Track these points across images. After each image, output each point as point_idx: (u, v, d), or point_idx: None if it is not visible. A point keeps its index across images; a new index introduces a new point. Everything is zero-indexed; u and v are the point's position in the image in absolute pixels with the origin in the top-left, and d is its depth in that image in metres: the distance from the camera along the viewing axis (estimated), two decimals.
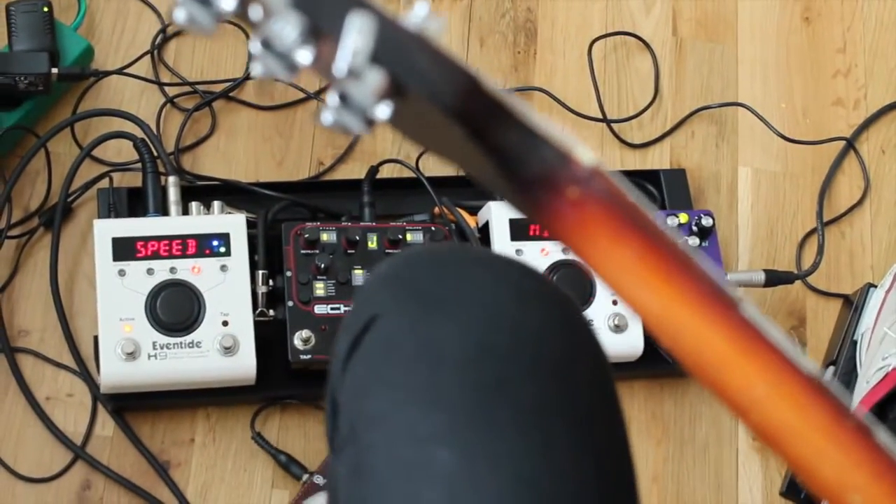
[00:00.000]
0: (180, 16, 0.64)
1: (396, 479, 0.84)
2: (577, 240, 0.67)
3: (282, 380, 1.50)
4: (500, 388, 0.85)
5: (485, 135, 0.64)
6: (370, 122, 0.62)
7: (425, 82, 0.62)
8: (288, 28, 0.62)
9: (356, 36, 0.60)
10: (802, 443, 0.64)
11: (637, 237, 0.65)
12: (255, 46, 0.62)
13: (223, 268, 1.46)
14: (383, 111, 0.62)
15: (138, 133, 1.54)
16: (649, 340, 1.54)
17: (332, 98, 0.62)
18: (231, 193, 1.57)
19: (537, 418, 0.85)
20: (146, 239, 1.45)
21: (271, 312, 1.48)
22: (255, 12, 0.63)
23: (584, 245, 0.67)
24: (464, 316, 0.87)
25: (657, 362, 1.56)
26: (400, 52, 0.62)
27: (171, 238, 1.45)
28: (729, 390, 0.65)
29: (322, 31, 0.62)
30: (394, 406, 0.86)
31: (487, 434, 0.84)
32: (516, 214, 1.51)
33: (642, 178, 1.68)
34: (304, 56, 0.62)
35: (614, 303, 1.52)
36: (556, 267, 1.52)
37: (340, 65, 0.61)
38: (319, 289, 1.48)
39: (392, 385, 0.86)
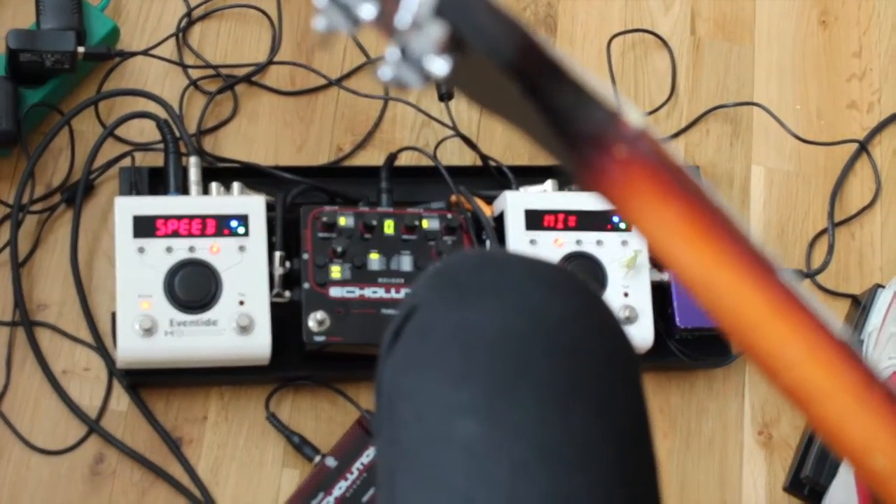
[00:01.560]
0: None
1: (422, 447, 0.87)
2: (622, 198, 0.68)
3: (295, 361, 1.52)
4: (524, 367, 0.87)
5: (539, 92, 0.65)
6: (427, 77, 0.64)
7: (485, 37, 0.64)
8: None
9: None
10: (832, 404, 0.65)
11: (681, 198, 0.67)
12: (321, 1, 0.64)
13: (241, 248, 1.47)
14: (441, 66, 0.63)
15: (161, 114, 1.56)
16: (658, 333, 1.55)
17: (391, 52, 0.63)
18: (251, 176, 1.58)
19: (558, 394, 0.87)
20: (166, 217, 1.46)
21: (287, 294, 1.49)
22: None
23: (628, 204, 0.68)
24: (494, 303, 0.90)
25: (666, 355, 1.58)
26: (461, 6, 0.63)
27: (190, 217, 1.47)
28: (763, 351, 0.66)
29: None
30: (425, 382, 0.89)
31: (509, 406, 0.86)
32: (532, 205, 1.53)
33: None
34: (368, 10, 0.64)
35: (625, 294, 1.53)
36: (570, 258, 1.53)
37: (405, 15, 0.62)
38: (335, 272, 1.49)
39: (425, 364, 0.90)
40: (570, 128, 0.66)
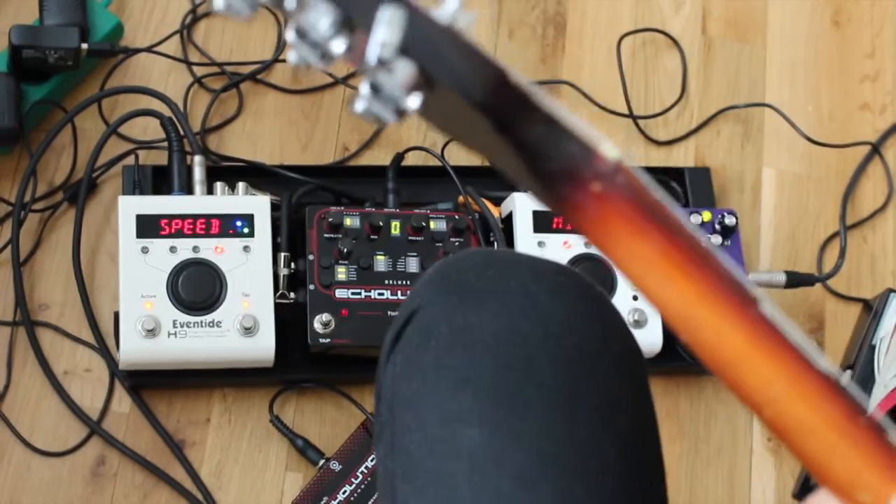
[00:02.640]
0: (219, 2, 0.65)
1: (424, 455, 0.86)
2: (600, 234, 0.67)
3: (300, 363, 1.50)
4: (528, 371, 0.86)
5: (511, 128, 0.64)
6: (401, 112, 0.63)
7: (454, 75, 0.63)
8: (322, 19, 0.63)
9: (386, 28, 0.61)
10: (816, 440, 0.65)
11: (659, 233, 0.66)
12: (291, 35, 0.63)
13: (246, 249, 1.46)
14: (413, 101, 0.63)
15: (165, 111, 1.55)
16: (668, 337, 1.54)
17: (363, 87, 0.63)
18: (256, 175, 1.57)
19: (562, 400, 0.86)
20: (170, 217, 1.45)
21: (292, 295, 1.48)
22: (289, 2, 0.64)
23: (606, 239, 0.67)
24: (497, 304, 0.89)
25: (675, 359, 1.56)
26: (429, 44, 0.63)
27: (195, 217, 1.46)
28: (745, 386, 0.66)
29: (355, 22, 0.63)
30: (426, 387, 0.88)
31: (512, 413, 0.85)
32: (540, 206, 1.51)
33: (667, 176, 1.68)
34: (338, 46, 0.63)
35: (634, 298, 1.52)
36: (578, 260, 1.52)
37: (370, 55, 0.61)
38: (341, 273, 1.48)
39: (427, 368, 0.89)
40: (544, 163, 0.65)
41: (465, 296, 0.91)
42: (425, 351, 0.90)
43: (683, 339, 0.67)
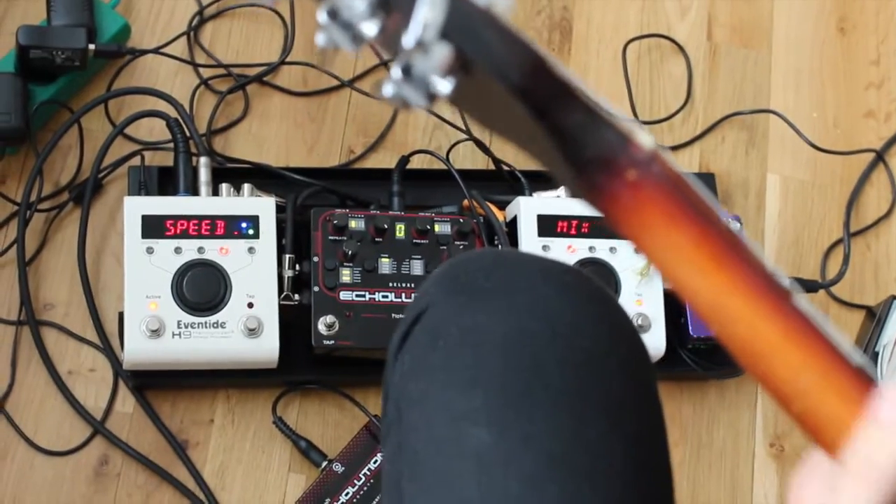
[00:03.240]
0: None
1: (431, 455, 0.86)
2: (633, 223, 0.67)
3: (304, 365, 1.50)
4: (536, 372, 0.86)
5: (548, 114, 0.64)
6: (432, 97, 0.63)
7: (492, 58, 0.62)
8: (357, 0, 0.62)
9: (428, 9, 0.61)
10: (847, 433, 0.64)
11: (693, 223, 0.65)
12: (322, 15, 0.63)
13: (251, 250, 1.46)
14: (445, 86, 0.62)
15: (172, 113, 1.55)
16: (671, 342, 1.54)
17: (395, 71, 0.62)
18: (261, 177, 1.57)
19: (570, 401, 0.86)
20: (175, 218, 1.45)
21: (296, 297, 1.48)
22: None
23: (639, 229, 0.67)
24: (506, 305, 0.89)
25: (678, 364, 1.56)
26: (468, 27, 0.62)
27: (200, 218, 1.46)
28: (776, 378, 0.65)
29: (391, 4, 0.62)
30: (434, 387, 0.88)
31: (521, 414, 0.85)
32: (545, 210, 1.51)
33: None
34: (371, 28, 0.62)
35: (638, 302, 1.52)
36: (583, 264, 1.52)
37: (410, 37, 0.61)
38: (346, 275, 1.48)
39: (435, 368, 0.88)
40: (580, 151, 0.65)
41: (474, 296, 0.90)
42: (434, 351, 0.90)
43: (714, 331, 0.66)
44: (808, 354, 0.64)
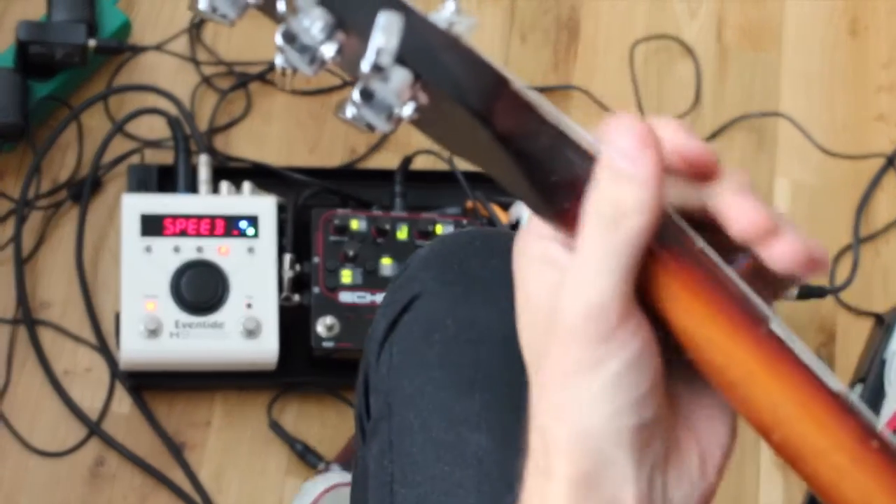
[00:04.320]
0: (202, 4, 0.63)
1: (428, 460, 0.84)
2: None
3: (302, 366, 1.50)
4: None
5: (512, 138, 0.62)
6: (395, 120, 0.61)
7: (452, 82, 0.61)
8: (315, 24, 0.60)
9: (384, 34, 0.59)
10: (826, 465, 0.62)
11: (663, 249, 0.63)
12: (278, 38, 0.61)
13: (250, 250, 1.45)
14: (407, 110, 0.61)
15: (172, 110, 1.54)
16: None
17: (355, 94, 0.60)
18: (262, 176, 1.56)
19: None
20: (174, 216, 1.45)
21: (296, 297, 1.47)
22: (280, 5, 0.62)
23: None
24: (505, 298, 0.87)
25: None
26: (426, 50, 0.60)
27: (199, 217, 1.45)
28: (753, 408, 0.63)
29: (348, 26, 0.61)
30: (430, 385, 0.86)
31: (523, 418, 0.83)
32: None
33: None
34: (329, 50, 0.61)
35: None
36: None
37: (366, 63, 0.59)
38: (346, 276, 1.47)
39: (430, 364, 0.87)
40: (545, 176, 0.63)
41: (471, 286, 0.88)
42: (429, 345, 0.88)
43: (690, 357, 0.65)
44: (784, 383, 0.62)
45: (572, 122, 0.63)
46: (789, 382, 0.62)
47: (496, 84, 0.61)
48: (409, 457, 0.86)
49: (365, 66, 0.59)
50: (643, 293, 0.63)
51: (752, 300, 0.63)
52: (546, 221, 0.64)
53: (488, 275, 0.89)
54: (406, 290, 0.91)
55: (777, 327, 0.62)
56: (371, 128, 0.61)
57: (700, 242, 0.63)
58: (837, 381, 0.63)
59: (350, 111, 0.61)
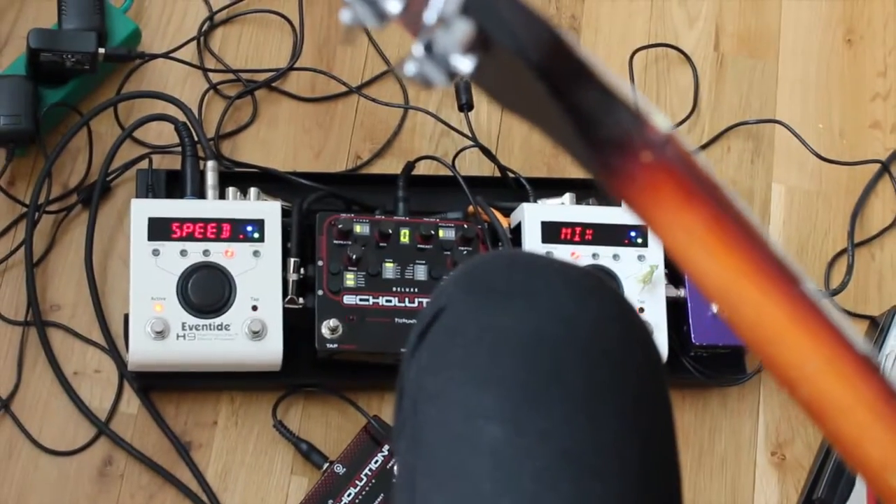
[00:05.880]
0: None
1: (446, 451, 0.86)
2: (645, 204, 0.67)
3: (307, 368, 1.51)
4: (553, 373, 0.87)
5: (565, 93, 0.64)
6: (452, 75, 0.63)
7: (512, 36, 0.63)
8: None
9: None
10: (850, 421, 0.64)
11: (706, 206, 0.65)
12: None
13: (256, 253, 1.47)
14: (466, 64, 0.63)
15: (180, 117, 1.55)
16: (673, 349, 1.54)
17: (417, 48, 0.62)
18: (268, 181, 1.58)
19: (586, 401, 0.87)
20: (182, 221, 1.46)
21: (301, 300, 1.48)
22: None
23: (651, 209, 0.67)
24: (524, 306, 0.89)
25: (680, 372, 1.57)
26: (489, 4, 0.63)
27: (206, 221, 1.46)
28: (782, 363, 0.65)
29: None
30: (451, 383, 0.88)
31: (536, 412, 0.85)
32: (549, 217, 1.52)
33: None
34: (394, 5, 0.63)
35: (641, 309, 1.52)
36: None
37: (432, 12, 0.61)
38: (350, 279, 1.48)
39: (452, 365, 0.89)
40: (596, 131, 0.65)
41: (492, 297, 0.91)
42: (452, 348, 0.90)
43: (723, 314, 0.67)
44: (814, 339, 0.64)
45: (621, 83, 0.66)
46: (818, 339, 0.64)
47: (553, 39, 0.64)
48: (430, 448, 0.89)
49: (431, 15, 0.61)
50: (683, 248, 0.66)
51: (786, 260, 0.65)
52: (591, 174, 0.66)
53: (509, 287, 0.91)
54: (435, 303, 0.93)
55: (809, 287, 0.65)
56: (429, 84, 0.63)
57: (739, 204, 0.66)
58: (864, 343, 0.65)
59: (411, 67, 0.63)
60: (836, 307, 1.65)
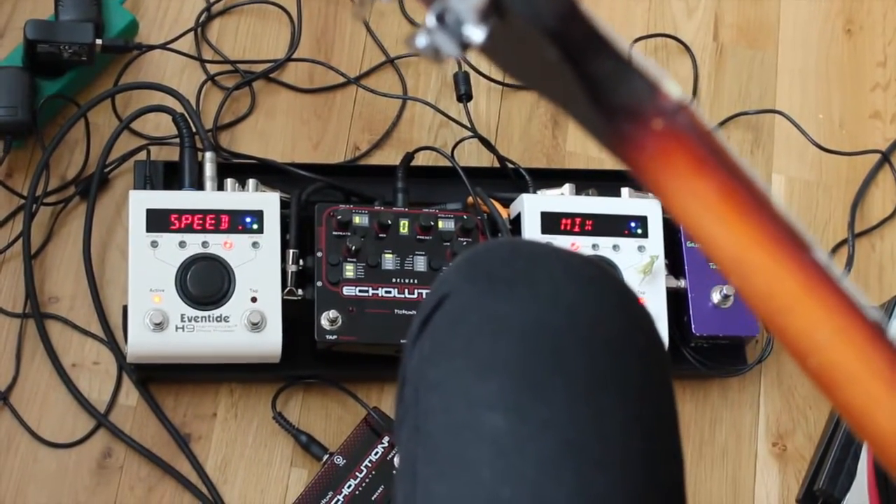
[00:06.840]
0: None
1: (447, 439, 0.86)
2: (658, 173, 0.67)
3: (306, 359, 1.51)
4: (555, 361, 0.87)
5: (578, 59, 0.64)
6: (464, 46, 0.63)
7: (529, 2, 0.63)
8: None
9: None
10: (861, 390, 0.64)
11: (718, 174, 0.65)
12: None
13: (255, 245, 1.46)
14: (479, 33, 0.63)
15: (178, 108, 1.55)
16: (674, 340, 1.54)
17: (429, 19, 0.62)
18: (266, 172, 1.57)
19: (588, 389, 0.87)
20: (180, 212, 1.46)
21: (300, 292, 1.48)
22: None
23: (664, 178, 0.67)
24: (526, 295, 0.89)
25: (680, 362, 1.56)
26: None
27: (204, 212, 1.46)
28: (793, 332, 0.65)
29: None
30: (453, 372, 0.88)
31: (538, 401, 0.85)
32: (549, 208, 1.52)
33: None
34: None
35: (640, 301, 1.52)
36: None
37: None
38: (349, 271, 1.48)
39: (454, 353, 0.89)
40: (608, 98, 0.65)
41: (494, 284, 0.91)
42: (453, 336, 0.90)
43: (734, 283, 0.66)
44: (826, 309, 0.64)
45: (634, 51, 0.66)
46: (829, 308, 0.64)
47: (568, 6, 0.64)
48: (431, 437, 0.88)
49: None
50: (694, 217, 0.66)
51: (797, 228, 0.65)
52: (602, 143, 0.66)
53: (511, 275, 0.91)
54: (437, 291, 0.93)
55: (820, 255, 0.64)
56: (440, 56, 0.63)
57: (750, 173, 0.65)
58: (875, 312, 0.64)
59: (422, 39, 0.63)
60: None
